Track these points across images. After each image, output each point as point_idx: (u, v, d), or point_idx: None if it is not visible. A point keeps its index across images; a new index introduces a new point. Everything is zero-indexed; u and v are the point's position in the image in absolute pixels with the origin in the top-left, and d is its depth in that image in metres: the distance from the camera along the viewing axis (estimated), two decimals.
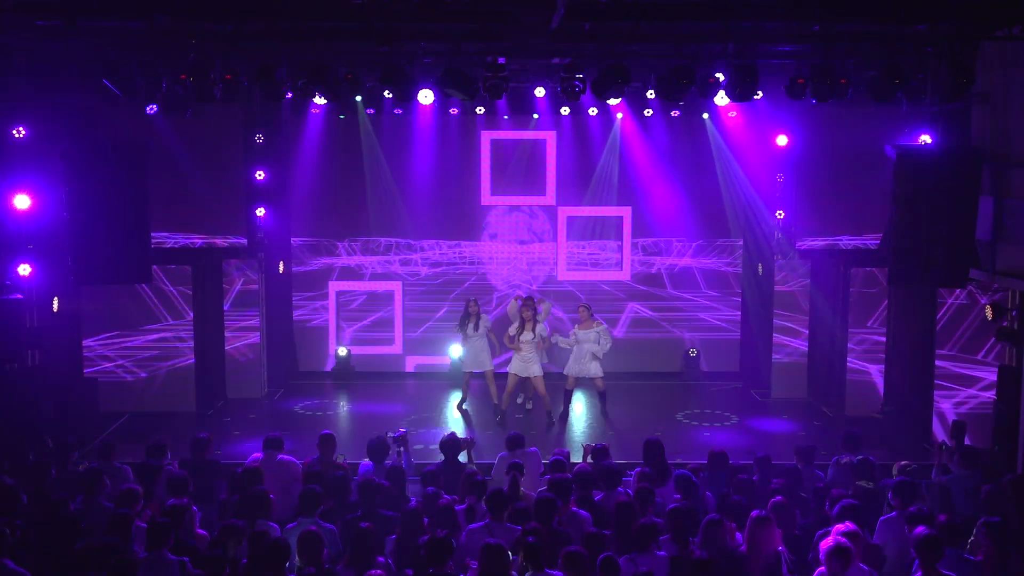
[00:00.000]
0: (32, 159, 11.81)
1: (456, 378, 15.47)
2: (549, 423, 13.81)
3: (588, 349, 13.78)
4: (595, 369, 13.90)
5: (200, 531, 8.18)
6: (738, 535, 7.67)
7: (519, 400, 14.45)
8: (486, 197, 16.82)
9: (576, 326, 14.12)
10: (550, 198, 16.86)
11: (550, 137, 16.69)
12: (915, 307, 13.65)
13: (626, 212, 16.81)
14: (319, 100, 13.50)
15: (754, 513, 7.39)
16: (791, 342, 15.68)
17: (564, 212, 16.90)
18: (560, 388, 14.14)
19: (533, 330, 13.72)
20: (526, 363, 13.76)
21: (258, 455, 9.64)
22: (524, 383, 14.11)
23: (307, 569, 6.89)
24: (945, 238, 11.04)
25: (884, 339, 14.45)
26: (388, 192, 16.62)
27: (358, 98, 14.73)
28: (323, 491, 8.22)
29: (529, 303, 13.90)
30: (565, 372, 14.08)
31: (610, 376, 14.29)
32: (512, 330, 13.86)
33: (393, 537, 7.70)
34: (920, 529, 6.95)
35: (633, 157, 16.52)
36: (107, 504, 8.31)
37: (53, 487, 8.95)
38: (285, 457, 9.64)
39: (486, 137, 16.61)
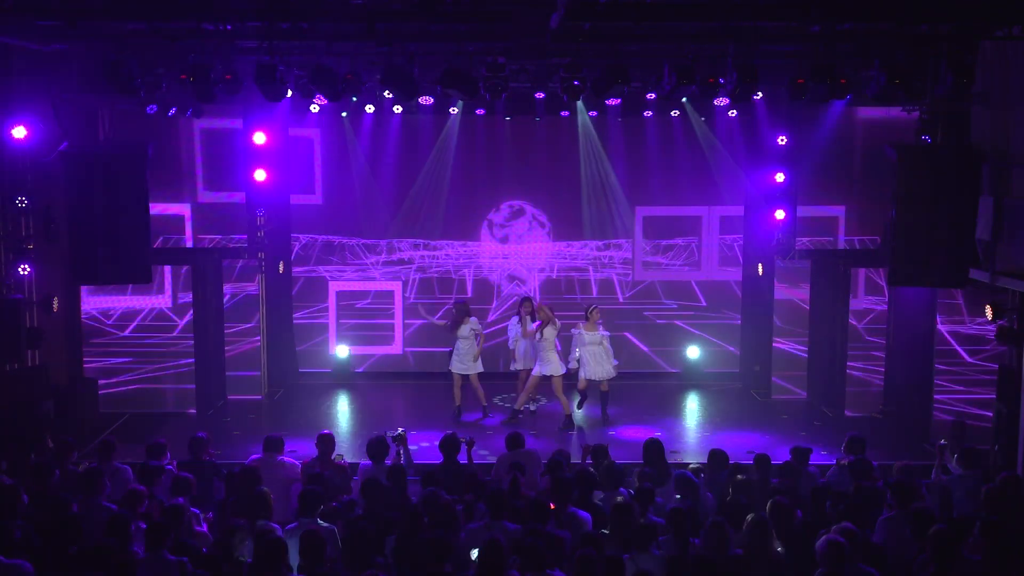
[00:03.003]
0: (32, 159, 11.81)
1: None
2: (566, 426, 13.65)
3: (599, 351, 13.74)
4: (611, 369, 13.87)
5: (199, 530, 8.18)
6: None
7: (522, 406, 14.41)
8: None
9: (585, 328, 13.85)
10: None
11: None
12: (915, 307, 13.64)
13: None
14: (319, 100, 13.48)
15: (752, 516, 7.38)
16: (791, 342, 15.67)
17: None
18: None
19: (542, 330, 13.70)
20: (546, 364, 13.71)
21: (258, 455, 9.65)
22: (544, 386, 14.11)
23: (309, 569, 6.89)
24: (945, 238, 11.04)
25: None
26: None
27: (354, 98, 14.63)
28: (323, 491, 8.22)
29: (527, 305, 13.91)
30: (586, 376, 13.81)
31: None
32: (546, 332, 13.73)
33: (393, 537, 7.70)
34: (939, 527, 6.97)
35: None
36: (107, 504, 8.31)
37: (56, 487, 8.94)
38: (285, 457, 9.65)
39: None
